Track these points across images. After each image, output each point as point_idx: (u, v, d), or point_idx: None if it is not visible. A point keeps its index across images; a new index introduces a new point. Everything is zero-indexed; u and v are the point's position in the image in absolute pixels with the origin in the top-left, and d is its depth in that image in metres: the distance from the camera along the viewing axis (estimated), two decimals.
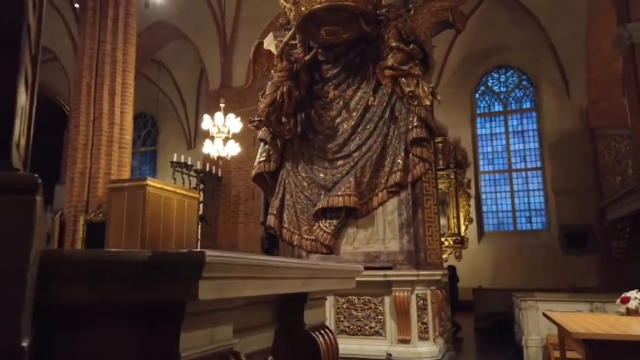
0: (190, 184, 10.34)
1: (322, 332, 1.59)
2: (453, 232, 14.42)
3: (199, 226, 10.12)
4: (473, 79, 15.23)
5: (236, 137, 10.66)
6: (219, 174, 11.59)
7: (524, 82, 15.06)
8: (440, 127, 14.23)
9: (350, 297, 5.39)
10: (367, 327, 5.30)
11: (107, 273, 0.81)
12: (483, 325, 10.00)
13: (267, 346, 1.45)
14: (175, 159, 10.39)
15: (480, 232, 14.53)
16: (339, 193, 5.63)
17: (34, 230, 0.75)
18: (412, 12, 5.69)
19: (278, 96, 5.78)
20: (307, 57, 6.05)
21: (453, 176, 14.52)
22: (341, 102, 6.08)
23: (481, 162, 15.06)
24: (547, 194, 14.13)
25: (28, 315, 0.73)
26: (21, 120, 0.94)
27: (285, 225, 6.11)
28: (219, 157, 10.12)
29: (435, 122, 6.24)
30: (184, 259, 0.80)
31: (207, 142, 10.01)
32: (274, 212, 6.14)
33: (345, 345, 5.20)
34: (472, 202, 14.56)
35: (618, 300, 3.89)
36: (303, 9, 5.43)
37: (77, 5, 10.09)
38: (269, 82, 5.99)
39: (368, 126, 5.89)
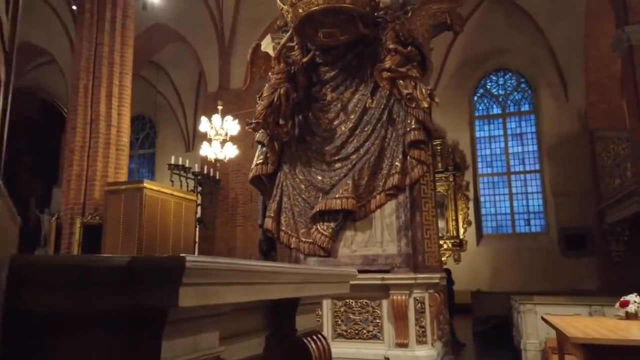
0: (188, 186, 10.30)
1: (315, 338, 1.56)
2: (452, 234, 14.39)
3: (197, 229, 10.08)
4: (471, 82, 15.22)
5: (234, 139, 10.63)
6: (217, 177, 11.56)
7: (523, 85, 15.05)
8: (438, 129, 14.22)
9: (347, 301, 5.36)
10: (364, 331, 5.27)
11: (83, 279, 0.77)
12: (481, 329, 9.96)
13: (257, 353, 1.41)
14: (173, 162, 10.36)
15: (479, 235, 14.50)
16: (337, 196, 5.60)
17: None
18: (409, 14, 5.67)
19: (275, 98, 5.76)
20: (304, 59, 6.03)
21: (452, 179, 14.50)
22: (339, 105, 6.06)
23: (480, 165, 15.04)
24: (545, 197, 14.11)
25: None
26: None
27: (283, 228, 6.08)
28: (216, 160, 10.09)
29: (434, 125, 6.24)
30: (163, 265, 0.77)
31: (205, 144, 9.98)
32: (272, 214, 6.11)
33: (343, 349, 5.17)
34: (471, 204, 14.53)
35: (617, 304, 3.85)
36: (300, 10, 5.41)
37: (74, 8, 10.06)
38: (266, 85, 5.96)
39: (366, 128, 5.86)
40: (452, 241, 14.30)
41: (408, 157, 5.57)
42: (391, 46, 5.47)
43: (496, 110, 15.26)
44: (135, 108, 15.56)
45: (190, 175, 10.51)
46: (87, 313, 0.80)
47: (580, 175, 12.92)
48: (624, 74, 9.35)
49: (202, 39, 13.28)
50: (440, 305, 5.56)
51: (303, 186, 6.01)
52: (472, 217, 14.46)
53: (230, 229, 12.48)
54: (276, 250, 10.39)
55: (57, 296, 0.77)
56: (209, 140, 9.98)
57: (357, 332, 5.29)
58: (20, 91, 16.57)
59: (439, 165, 14.33)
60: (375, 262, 5.56)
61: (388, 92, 5.64)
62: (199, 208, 10.50)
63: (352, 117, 5.96)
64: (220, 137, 9.95)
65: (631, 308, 3.67)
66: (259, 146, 6.30)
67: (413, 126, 5.49)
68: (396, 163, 5.61)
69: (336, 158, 5.92)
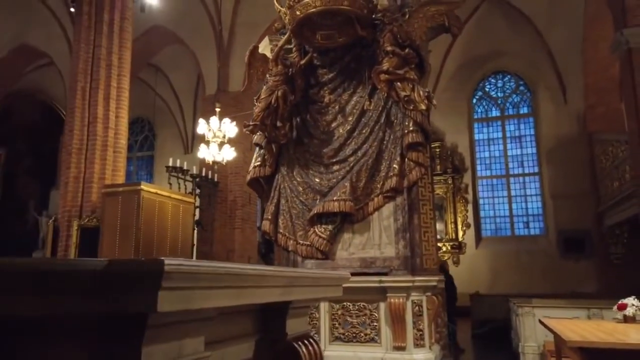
0: (186, 189, 10.28)
1: (306, 342, 1.53)
2: (451, 237, 14.37)
3: (195, 231, 10.06)
4: (470, 84, 15.24)
5: (233, 141, 10.62)
6: (216, 179, 11.54)
7: (521, 88, 15.07)
8: (437, 132, 14.22)
9: (345, 304, 5.33)
10: (362, 334, 5.24)
11: (56, 284, 0.75)
12: (480, 332, 9.94)
13: (247, 357, 1.38)
14: (171, 164, 10.33)
15: (478, 238, 14.49)
16: (335, 198, 5.58)
17: None
18: (407, 16, 5.65)
19: (273, 100, 5.74)
20: (302, 62, 6.01)
21: (450, 181, 14.50)
22: (337, 107, 6.04)
23: (479, 167, 15.03)
24: (544, 199, 14.10)
25: None
26: None
27: (281, 231, 6.06)
28: (214, 162, 10.07)
29: (432, 127, 6.23)
30: (141, 268, 0.75)
31: (203, 146, 9.96)
32: (269, 217, 6.09)
33: (340, 352, 5.15)
34: (470, 207, 14.52)
35: (615, 307, 3.83)
36: (298, 12, 5.39)
37: (72, 10, 10.05)
38: (264, 87, 5.95)
39: (364, 131, 5.85)
40: (451, 244, 14.28)
41: (406, 159, 5.55)
42: (389, 48, 5.46)
43: (495, 112, 15.26)
44: (134, 110, 15.59)
45: (188, 178, 10.49)
46: (62, 319, 0.78)
47: (579, 178, 12.92)
48: (623, 77, 9.36)
49: (200, 42, 13.28)
50: (438, 308, 5.53)
51: (301, 188, 5.99)
52: (471, 220, 14.45)
53: (229, 232, 12.45)
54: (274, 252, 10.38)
55: (25, 302, 0.74)
56: (207, 143, 9.96)
57: (354, 335, 5.26)
58: (19, 93, 16.57)
59: (438, 167, 14.33)
60: (373, 264, 5.54)
61: (386, 95, 5.62)
62: (197, 210, 10.47)
63: (349, 119, 5.94)
64: (218, 139, 9.94)
65: (629, 311, 3.65)
66: (257, 148, 6.28)
67: (411, 128, 5.47)
68: (394, 165, 5.58)
69: (334, 160, 5.90)
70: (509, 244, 14.05)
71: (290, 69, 5.90)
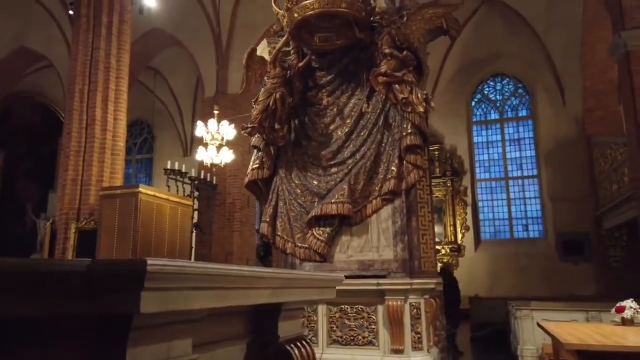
0: (184, 191, 10.27)
1: (298, 344, 1.52)
2: (450, 240, 14.36)
3: (193, 234, 10.04)
4: (469, 87, 15.25)
5: (232, 144, 10.61)
6: (214, 182, 11.53)
7: (520, 90, 15.08)
8: (436, 135, 14.24)
9: (343, 307, 5.31)
10: (360, 337, 5.22)
11: (39, 284, 0.74)
12: (479, 334, 9.91)
13: None
14: (170, 167, 10.33)
15: (477, 240, 14.47)
16: (333, 200, 5.57)
17: None
18: (405, 18, 5.65)
19: (271, 103, 5.73)
20: (300, 64, 6.00)
21: (449, 184, 14.50)
22: (335, 109, 6.03)
23: (478, 170, 15.04)
24: (543, 202, 14.10)
25: None
26: None
27: (279, 233, 6.03)
28: (212, 164, 10.06)
29: (431, 130, 6.22)
30: (123, 269, 0.74)
31: (201, 149, 9.96)
32: (267, 219, 6.07)
33: (338, 355, 5.12)
34: (469, 210, 14.52)
35: (613, 310, 3.82)
36: (296, 15, 5.39)
37: (71, 12, 10.06)
38: (262, 89, 5.94)
39: (362, 133, 5.84)
40: (450, 246, 14.27)
41: (404, 161, 5.54)
42: (387, 51, 5.45)
43: (494, 115, 15.27)
44: (133, 113, 15.59)
45: (187, 180, 10.48)
46: (46, 320, 0.77)
47: (577, 181, 12.92)
48: (621, 80, 9.37)
49: (199, 44, 13.29)
50: (436, 311, 5.51)
51: (299, 191, 5.97)
52: (470, 223, 14.45)
53: (227, 234, 12.44)
54: (273, 255, 10.37)
55: (8, 302, 0.73)
56: (205, 145, 9.95)
57: (352, 338, 5.24)
58: (18, 96, 16.57)
59: (437, 170, 14.34)
60: (371, 267, 5.52)
61: (384, 97, 5.62)
62: (195, 213, 10.46)
63: (348, 121, 5.93)
64: (216, 141, 9.93)
65: (627, 314, 3.63)
66: (255, 151, 6.27)
67: (409, 131, 5.46)
68: (392, 168, 5.57)
69: (332, 163, 5.89)
70: (508, 246, 14.04)
71: (289, 71, 5.89)
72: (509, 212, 14.54)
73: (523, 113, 14.99)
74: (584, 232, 12.89)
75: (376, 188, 5.64)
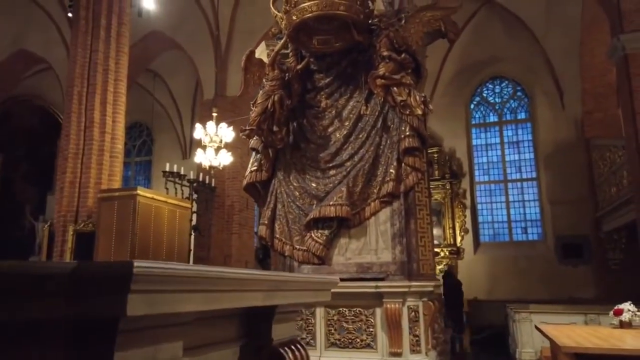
0: (183, 193, 10.26)
1: (293, 347, 1.51)
2: (449, 242, 14.33)
3: (192, 236, 10.02)
4: (468, 90, 15.25)
5: (231, 146, 10.61)
6: (213, 184, 11.52)
7: (519, 93, 15.09)
8: (435, 137, 14.24)
9: (341, 309, 5.30)
10: (358, 340, 5.21)
11: (21, 287, 0.73)
12: (478, 337, 9.90)
13: None
14: (169, 169, 10.32)
15: (476, 243, 14.45)
16: (331, 203, 5.57)
17: None
18: (403, 21, 5.66)
19: (269, 105, 5.73)
20: (299, 66, 6.01)
21: (448, 186, 14.47)
22: (333, 111, 6.04)
23: (476, 173, 15.02)
24: (542, 205, 14.08)
25: None
26: None
27: (277, 236, 6.03)
28: (211, 167, 10.06)
29: (430, 133, 6.23)
30: (109, 271, 0.73)
31: (199, 151, 9.96)
32: (266, 222, 6.07)
33: (336, 358, 5.11)
34: (468, 212, 14.50)
35: (611, 313, 3.81)
36: (294, 17, 5.40)
37: (70, 15, 10.06)
38: (261, 91, 5.94)
39: (360, 135, 5.84)
40: (449, 249, 14.24)
41: (402, 164, 5.54)
42: (385, 53, 5.47)
43: (493, 118, 15.27)
44: (132, 115, 15.60)
45: (185, 183, 10.47)
46: (30, 324, 0.76)
47: (576, 183, 12.92)
48: (620, 83, 9.38)
49: (198, 47, 13.30)
50: (434, 314, 5.50)
51: (297, 193, 5.97)
52: (469, 225, 14.42)
53: (226, 237, 12.42)
54: (271, 257, 10.36)
55: None
56: (204, 148, 9.95)
57: (350, 341, 5.23)
58: (17, 98, 16.57)
59: (436, 173, 14.32)
60: (369, 269, 5.52)
61: (382, 99, 5.63)
62: (194, 215, 10.44)
63: (346, 124, 5.94)
64: (214, 144, 9.93)
65: (625, 317, 3.63)
66: (254, 153, 6.27)
67: (407, 133, 5.47)
68: (391, 170, 5.57)
69: (330, 165, 5.89)
70: (507, 249, 14.01)
71: (287, 74, 5.90)
72: (508, 214, 14.52)
73: (522, 116, 15.00)
74: (583, 235, 12.88)
75: (374, 190, 5.64)
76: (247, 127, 5.88)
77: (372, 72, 5.55)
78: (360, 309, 5.26)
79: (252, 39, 11.54)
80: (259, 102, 5.87)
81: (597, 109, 12.75)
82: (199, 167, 10.80)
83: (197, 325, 1.02)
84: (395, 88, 5.44)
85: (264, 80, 5.98)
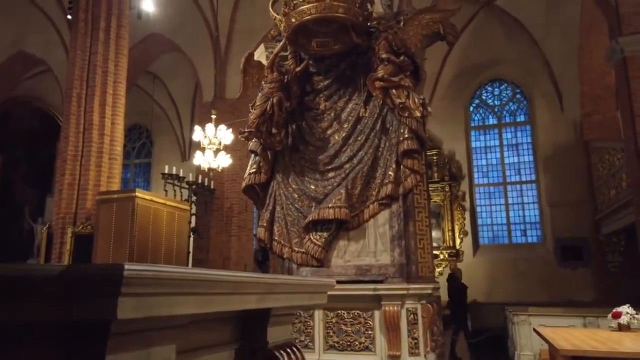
0: (182, 196, 10.25)
1: (288, 350, 1.50)
2: (448, 245, 14.34)
3: (191, 239, 10.01)
4: (467, 92, 15.27)
5: (230, 149, 10.61)
6: (212, 186, 11.51)
7: (518, 96, 15.11)
8: (435, 139, 14.25)
9: (339, 312, 5.29)
10: (356, 343, 5.19)
11: (10, 290, 0.72)
12: (477, 340, 9.88)
13: None
14: (168, 171, 10.32)
15: (475, 245, 14.45)
16: (330, 205, 5.55)
17: None
18: (402, 24, 5.66)
19: (268, 107, 5.73)
20: (298, 69, 6.01)
21: (448, 189, 14.48)
22: (332, 114, 6.03)
23: (476, 175, 15.03)
24: (541, 207, 14.09)
25: None
26: None
27: (276, 238, 6.02)
28: (209, 169, 10.06)
29: (430, 135, 6.23)
30: (99, 274, 0.73)
31: (198, 153, 9.96)
32: (264, 224, 6.05)
33: None
34: (467, 215, 14.50)
35: (609, 315, 3.81)
36: (293, 20, 5.39)
37: (69, 17, 10.07)
38: (259, 94, 5.94)
39: (359, 138, 5.83)
40: (448, 251, 14.24)
41: (401, 166, 5.54)
42: (384, 56, 5.46)
43: (492, 120, 15.29)
44: (131, 118, 15.61)
45: (184, 185, 10.47)
46: (19, 327, 0.75)
47: (576, 186, 12.93)
48: (618, 85, 9.40)
49: (197, 49, 13.31)
50: (433, 317, 5.49)
51: (296, 195, 5.96)
52: (468, 228, 14.43)
53: (225, 239, 12.41)
54: (270, 260, 10.34)
55: None
56: (203, 150, 9.96)
57: (348, 343, 5.22)
58: (16, 100, 16.58)
59: (435, 175, 14.33)
60: (368, 272, 5.50)
61: (381, 102, 5.62)
62: (193, 218, 10.44)
63: (345, 126, 5.93)
64: (213, 146, 9.93)
65: (623, 319, 3.62)
66: (252, 155, 6.26)
67: (406, 135, 5.46)
68: (389, 172, 5.57)
69: (329, 167, 5.88)
70: (507, 251, 14.01)
71: (286, 76, 5.89)
72: (507, 217, 14.52)
73: (521, 118, 15.01)
74: (582, 238, 12.88)
75: (373, 193, 5.63)
76: (246, 130, 5.88)
77: (371, 75, 5.55)
78: (358, 312, 5.25)
79: (252, 41, 11.56)
80: (257, 104, 5.86)
81: (596, 112, 12.78)
82: (198, 169, 10.80)
83: (191, 328, 1.02)
84: (394, 90, 5.43)
85: (262, 82, 5.98)
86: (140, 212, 7.58)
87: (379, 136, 5.72)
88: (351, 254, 5.69)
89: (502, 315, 8.72)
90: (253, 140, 6.03)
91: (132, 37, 10.15)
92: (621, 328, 3.62)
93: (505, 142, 14.98)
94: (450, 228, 14.39)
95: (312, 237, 5.65)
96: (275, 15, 5.77)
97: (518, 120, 15.04)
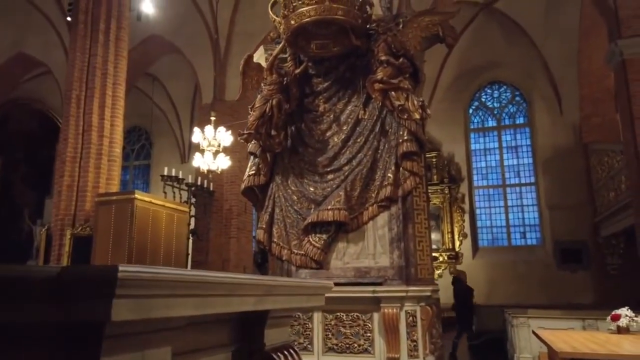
0: (181, 197, 10.25)
1: (286, 352, 1.50)
2: (447, 247, 14.33)
3: (190, 240, 10.01)
4: (466, 95, 15.29)
5: (229, 150, 10.61)
6: (211, 188, 11.51)
7: (517, 98, 15.13)
8: (434, 142, 14.26)
9: (338, 314, 5.29)
10: (355, 345, 5.19)
11: (5, 291, 0.72)
12: (476, 342, 9.87)
13: None
14: (167, 173, 10.31)
15: (475, 248, 14.45)
16: (329, 207, 5.55)
17: None
18: (401, 26, 5.67)
19: (267, 109, 5.73)
20: (297, 71, 6.01)
21: (447, 191, 14.49)
22: (332, 116, 6.04)
23: (475, 177, 15.04)
24: (541, 210, 14.09)
25: None
26: None
27: (275, 240, 6.01)
28: (209, 171, 10.05)
29: (429, 137, 6.23)
30: (94, 276, 0.72)
31: (198, 155, 9.96)
32: (264, 226, 6.05)
33: None
34: (467, 217, 14.51)
35: (608, 318, 3.80)
36: (292, 22, 5.40)
37: (69, 19, 10.08)
38: (259, 95, 5.94)
39: (358, 140, 5.83)
40: (447, 254, 14.24)
41: (400, 168, 5.53)
42: (383, 58, 5.47)
43: (491, 123, 15.31)
44: (131, 119, 15.61)
45: (184, 187, 10.46)
46: (16, 328, 0.75)
47: (575, 188, 12.93)
48: (617, 88, 9.41)
49: (197, 51, 13.32)
50: (432, 319, 5.48)
51: (295, 197, 5.96)
52: (467, 230, 14.43)
53: (225, 241, 12.40)
54: (269, 262, 10.33)
55: None
56: (202, 152, 9.96)
57: (347, 346, 5.21)
58: (16, 102, 16.58)
59: (435, 177, 14.34)
60: (367, 274, 5.50)
61: (380, 104, 5.62)
62: (192, 219, 10.43)
63: (344, 128, 5.93)
64: (213, 148, 9.93)
65: (622, 322, 3.62)
66: (251, 157, 6.26)
67: (405, 138, 5.46)
68: (388, 174, 5.56)
69: (329, 169, 5.88)
70: (506, 254, 14.01)
71: (285, 78, 5.89)
72: (507, 219, 14.53)
73: (520, 121, 15.03)
74: (581, 240, 12.88)
75: (372, 195, 5.63)
76: (245, 131, 5.88)
77: (370, 77, 5.55)
78: (357, 314, 5.24)
79: (251, 43, 11.58)
80: (257, 106, 5.86)
81: (595, 114, 12.79)
82: (198, 171, 10.80)
83: (188, 330, 1.01)
84: (393, 92, 5.43)
85: (262, 84, 5.98)
86: (139, 214, 7.57)
87: (378, 138, 5.72)
88: (350, 256, 5.68)
89: (502, 317, 8.71)
90: (252, 142, 6.03)
91: (132, 39, 10.16)
92: (620, 331, 3.62)
93: (504, 145, 15.00)
94: (449, 230, 14.39)
95: (311, 239, 5.64)
96: (274, 17, 5.78)
97: (517, 122, 15.06)
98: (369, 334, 5.17)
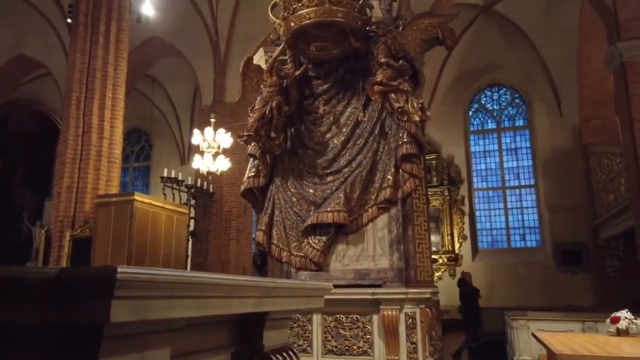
0: (180, 199, 10.25)
1: (285, 354, 1.50)
2: (447, 249, 14.33)
3: (189, 242, 10.00)
4: (466, 97, 15.31)
5: (229, 152, 10.61)
6: (211, 190, 11.51)
7: (517, 100, 15.14)
8: (434, 144, 14.27)
9: (338, 316, 5.28)
10: (355, 347, 5.18)
11: (10, 291, 0.72)
12: (476, 344, 9.86)
13: None
14: (167, 175, 10.31)
15: (475, 250, 14.45)
16: (329, 209, 5.55)
17: None
18: (401, 28, 5.68)
19: (267, 111, 5.73)
20: (297, 73, 6.02)
21: (447, 193, 14.49)
22: (331, 118, 6.04)
23: (475, 179, 15.05)
24: (540, 212, 14.10)
25: None
26: None
27: (274, 242, 6.01)
28: (208, 172, 10.06)
29: (429, 139, 6.23)
30: (93, 277, 0.73)
31: (197, 157, 9.96)
32: (263, 228, 6.05)
33: None
34: (466, 219, 14.51)
35: (608, 320, 3.80)
36: (292, 24, 5.41)
37: (69, 20, 10.10)
38: (258, 97, 5.95)
39: (358, 142, 5.84)
40: (447, 256, 14.24)
41: (400, 170, 5.54)
42: (383, 60, 5.47)
43: (491, 125, 15.32)
44: (131, 121, 15.62)
45: (183, 188, 10.46)
46: (14, 328, 0.75)
47: (574, 190, 12.94)
48: (617, 90, 9.42)
49: (197, 53, 13.34)
50: (432, 321, 5.47)
51: (295, 199, 5.96)
52: (467, 232, 14.43)
53: (224, 243, 12.39)
54: (269, 264, 10.33)
55: None
56: (202, 153, 9.96)
57: (347, 348, 5.20)
58: (16, 104, 16.59)
59: (434, 179, 14.34)
60: (367, 276, 5.49)
61: (380, 106, 5.63)
62: (192, 221, 10.43)
63: (344, 130, 5.93)
64: (212, 149, 9.94)
65: (622, 324, 3.61)
66: (251, 159, 6.26)
67: (405, 140, 5.46)
68: (388, 176, 5.57)
69: (328, 171, 5.88)
70: (506, 256, 14.01)
71: (285, 80, 5.90)
72: (507, 221, 14.53)
73: (520, 123, 15.04)
74: (581, 242, 12.88)
75: (372, 197, 5.63)
76: (244, 133, 5.88)
77: (369, 79, 5.56)
78: (357, 316, 5.24)
79: (251, 44, 11.59)
80: (256, 108, 5.86)
81: (594, 116, 12.81)
82: (197, 173, 10.80)
83: (187, 332, 1.01)
84: (392, 94, 5.44)
85: (262, 86, 5.98)
86: (138, 215, 7.57)
87: (378, 140, 5.73)
88: (350, 258, 5.68)
89: (501, 319, 8.71)
90: (252, 144, 6.03)
91: (132, 40, 10.17)
92: (620, 333, 3.62)
93: (504, 147, 15.01)
94: (449, 232, 14.39)
95: (310, 241, 5.64)
96: (274, 19, 5.79)
97: (517, 124, 15.07)
98: (368, 336, 5.16)
